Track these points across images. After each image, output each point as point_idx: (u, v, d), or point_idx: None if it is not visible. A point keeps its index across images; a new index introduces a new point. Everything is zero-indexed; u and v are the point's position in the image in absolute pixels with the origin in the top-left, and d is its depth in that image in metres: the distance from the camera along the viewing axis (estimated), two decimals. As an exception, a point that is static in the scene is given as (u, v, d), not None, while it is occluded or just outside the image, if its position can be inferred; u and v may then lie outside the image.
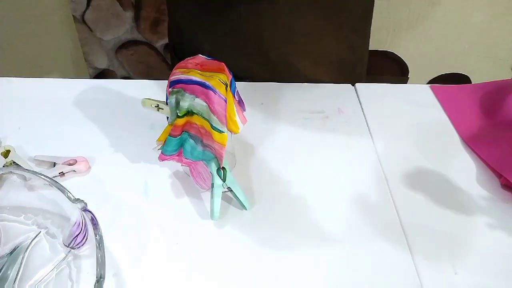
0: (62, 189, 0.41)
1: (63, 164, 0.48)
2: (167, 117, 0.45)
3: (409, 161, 0.53)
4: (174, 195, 0.47)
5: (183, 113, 0.42)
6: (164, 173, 0.49)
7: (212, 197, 0.44)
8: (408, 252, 0.43)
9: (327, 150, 0.54)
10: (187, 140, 0.44)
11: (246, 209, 0.46)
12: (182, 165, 0.47)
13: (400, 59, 1.25)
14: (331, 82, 0.65)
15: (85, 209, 0.39)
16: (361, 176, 0.51)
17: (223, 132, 0.42)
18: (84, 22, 1.22)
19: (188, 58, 0.44)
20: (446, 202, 0.48)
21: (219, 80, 0.41)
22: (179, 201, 0.47)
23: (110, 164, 0.50)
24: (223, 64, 0.44)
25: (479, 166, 0.52)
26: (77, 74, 1.33)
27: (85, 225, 0.40)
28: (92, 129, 0.54)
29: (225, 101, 0.41)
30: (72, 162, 0.49)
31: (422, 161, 0.53)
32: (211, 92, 0.40)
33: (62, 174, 0.48)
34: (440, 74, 1.27)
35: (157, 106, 0.46)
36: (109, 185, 0.48)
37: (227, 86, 0.42)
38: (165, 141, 0.44)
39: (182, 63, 0.43)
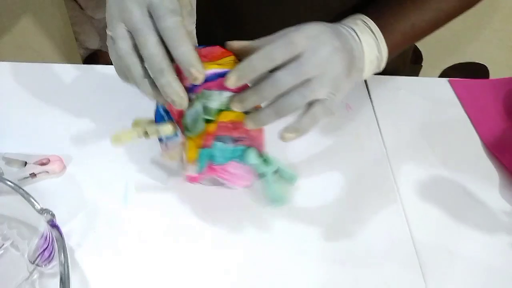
0: (27, 198, 0.36)
1: (34, 163, 0.43)
2: (160, 139, 0.40)
3: (422, 167, 0.47)
4: (158, 200, 0.42)
5: (215, 115, 0.37)
6: (147, 174, 0.44)
7: (267, 188, 0.40)
8: (420, 274, 0.38)
9: (332, 150, 0.48)
10: (214, 145, 0.38)
11: (294, 183, 0.43)
12: (218, 177, 0.40)
13: (414, 46, 1.17)
14: None
15: (52, 224, 0.34)
16: (368, 183, 0.45)
17: None
18: (75, -1, 1.16)
19: None
20: (464, 217, 0.43)
21: (234, 62, 0.38)
22: (163, 207, 0.42)
23: (87, 164, 0.45)
24: (220, 47, 0.39)
25: (502, 175, 0.47)
26: (67, 55, 1.26)
27: (52, 238, 0.35)
28: (69, 123, 0.48)
29: None
30: (45, 162, 0.44)
31: (438, 167, 0.47)
32: None
33: (33, 175, 0.43)
34: (456, 63, 1.20)
35: (146, 132, 0.39)
36: (84, 189, 0.43)
37: None
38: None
39: None
